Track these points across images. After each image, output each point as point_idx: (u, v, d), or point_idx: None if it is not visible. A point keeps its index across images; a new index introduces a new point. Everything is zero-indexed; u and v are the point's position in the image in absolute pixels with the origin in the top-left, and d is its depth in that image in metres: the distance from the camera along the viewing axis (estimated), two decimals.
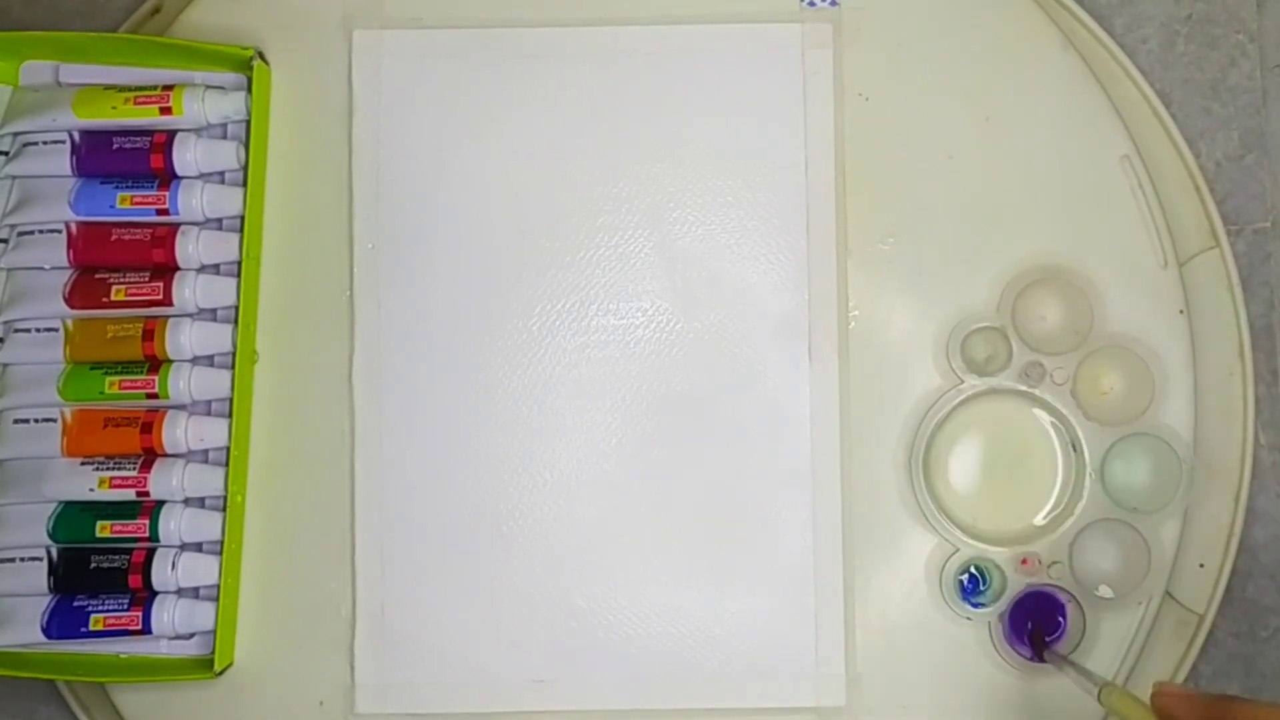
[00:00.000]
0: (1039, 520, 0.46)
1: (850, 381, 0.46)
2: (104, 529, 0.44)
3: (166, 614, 0.44)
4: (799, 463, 0.45)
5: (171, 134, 0.45)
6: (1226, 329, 0.46)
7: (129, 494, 0.44)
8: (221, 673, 0.44)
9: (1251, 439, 0.46)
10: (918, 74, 0.46)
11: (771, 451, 0.45)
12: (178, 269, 0.45)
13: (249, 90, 0.45)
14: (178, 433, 0.44)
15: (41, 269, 0.45)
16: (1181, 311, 0.46)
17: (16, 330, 0.45)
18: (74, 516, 0.44)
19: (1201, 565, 0.46)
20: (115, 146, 0.45)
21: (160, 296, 0.45)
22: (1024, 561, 0.45)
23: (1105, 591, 0.45)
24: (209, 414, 0.45)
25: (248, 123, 0.45)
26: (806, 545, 0.45)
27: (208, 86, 0.46)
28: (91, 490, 0.44)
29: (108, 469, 0.44)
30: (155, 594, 0.44)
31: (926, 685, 0.45)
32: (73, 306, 0.45)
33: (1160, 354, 0.46)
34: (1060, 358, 0.46)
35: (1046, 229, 0.46)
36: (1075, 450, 0.46)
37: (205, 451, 0.45)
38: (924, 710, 0.45)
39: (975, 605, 0.45)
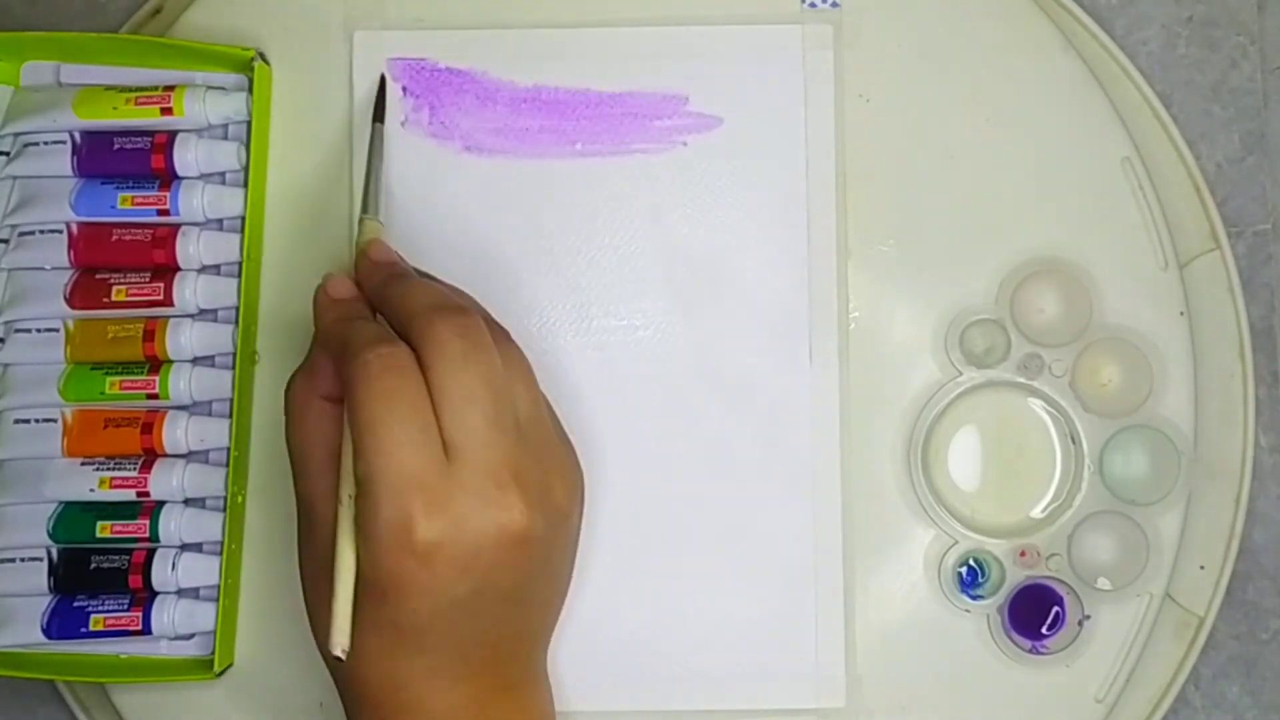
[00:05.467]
0: (1037, 513, 0.46)
1: (850, 381, 0.46)
2: (104, 529, 0.44)
3: (167, 614, 0.44)
4: (799, 463, 0.45)
5: (172, 134, 0.45)
6: (1227, 331, 0.46)
7: (129, 494, 0.44)
8: (222, 673, 0.44)
9: (1252, 441, 0.46)
10: (918, 76, 0.46)
11: (771, 453, 0.45)
12: (178, 269, 0.45)
13: (250, 91, 0.45)
14: (178, 433, 0.44)
15: (42, 269, 0.45)
16: (1182, 313, 0.46)
17: (17, 330, 0.45)
18: (74, 517, 0.44)
19: (1202, 567, 0.46)
20: (116, 147, 0.45)
21: (161, 297, 0.45)
22: (1022, 554, 0.45)
23: (1104, 584, 0.45)
24: (209, 414, 0.45)
25: (249, 123, 0.45)
26: (806, 545, 0.45)
27: (209, 87, 0.46)
28: (92, 490, 0.44)
29: (108, 469, 0.44)
30: (155, 594, 0.44)
31: (927, 684, 0.45)
32: (73, 307, 0.45)
33: (1161, 354, 0.46)
34: (1059, 350, 0.46)
35: (1047, 230, 0.46)
36: (1074, 442, 0.46)
37: (206, 452, 0.45)
38: (925, 709, 0.45)
39: (974, 598, 0.45)
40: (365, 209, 0.43)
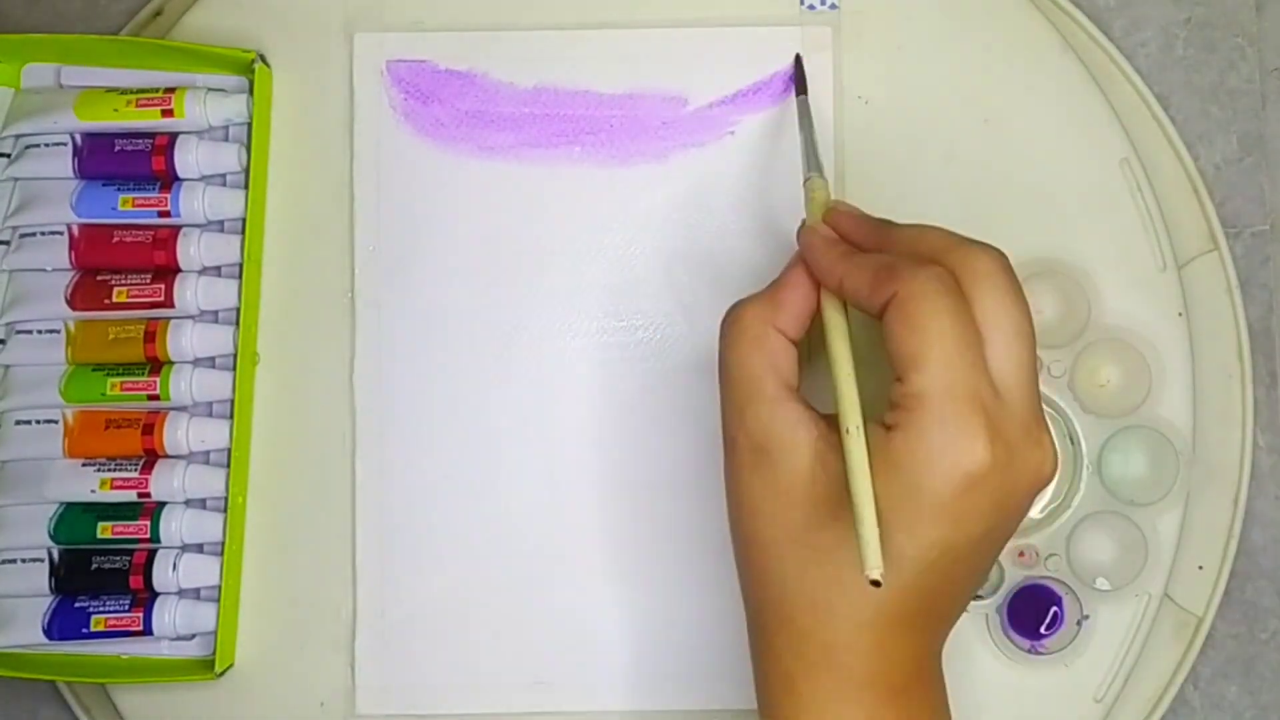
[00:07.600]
0: (1036, 513, 0.46)
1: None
2: (105, 530, 0.44)
3: (168, 615, 0.44)
4: None
5: (173, 136, 0.45)
6: (1225, 332, 0.46)
7: (130, 495, 0.44)
8: (222, 674, 0.44)
9: (1250, 441, 0.46)
10: (917, 77, 0.46)
11: None
12: (179, 271, 0.45)
13: (251, 93, 0.46)
14: (179, 434, 0.44)
15: (43, 271, 0.45)
16: (1180, 314, 0.46)
17: (18, 332, 0.45)
18: (75, 518, 0.44)
19: (1200, 567, 0.46)
20: (117, 149, 0.45)
21: (162, 298, 0.45)
22: (1021, 554, 0.45)
23: (1103, 584, 0.45)
24: (210, 415, 0.45)
25: (249, 125, 0.45)
26: None
27: (209, 89, 0.46)
28: (93, 491, 0.44)
29: (109, 470, 0.44)
30: (156, 595, 0.44)
31: None
32: (74, 308, 0.45)
33: (1159, 355, 0.46)
34: (1058, 350, 0.46)
35: (1046, 231, 0.46)
36: (1072, 443, 0.46)
37: (206, 453, 0.45)
38: None
39: (973, 598, 0.45)
40: (812, 168, 0.41)
